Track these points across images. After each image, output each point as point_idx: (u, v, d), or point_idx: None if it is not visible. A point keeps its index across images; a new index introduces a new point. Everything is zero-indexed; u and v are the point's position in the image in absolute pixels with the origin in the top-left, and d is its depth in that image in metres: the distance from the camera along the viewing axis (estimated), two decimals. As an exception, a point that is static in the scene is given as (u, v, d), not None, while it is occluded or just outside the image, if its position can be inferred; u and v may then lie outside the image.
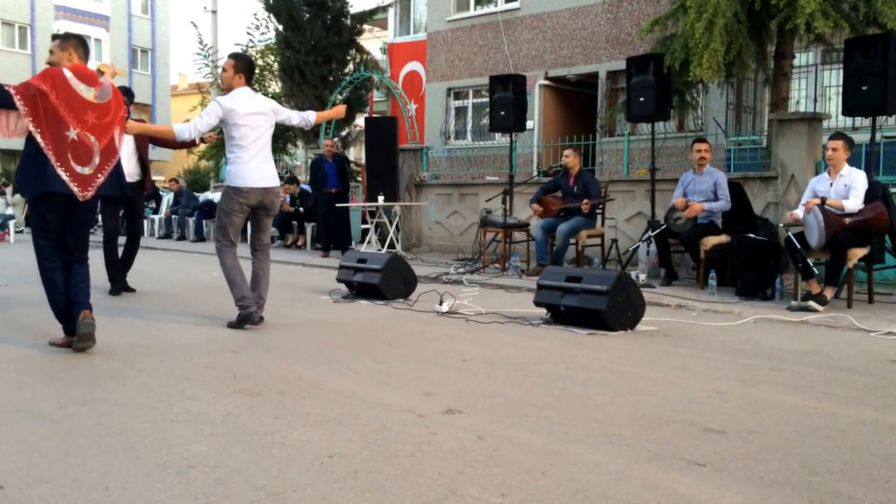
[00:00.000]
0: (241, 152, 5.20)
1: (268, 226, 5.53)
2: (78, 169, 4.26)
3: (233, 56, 5.45)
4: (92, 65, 4.52)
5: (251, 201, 5.25)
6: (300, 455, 2.65)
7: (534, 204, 8.74)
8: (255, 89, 5.50)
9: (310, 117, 5.68)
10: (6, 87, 4.14)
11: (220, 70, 6.91)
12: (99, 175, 4.36)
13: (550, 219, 8.56)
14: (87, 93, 4.30)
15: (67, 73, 4.27)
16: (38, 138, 4.15)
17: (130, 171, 6.72)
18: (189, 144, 7.38)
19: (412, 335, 5.12)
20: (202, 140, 6.95)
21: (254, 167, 5.24)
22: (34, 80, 4.24)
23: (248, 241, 5.63)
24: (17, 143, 5.74)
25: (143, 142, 7.04)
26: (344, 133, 18.79)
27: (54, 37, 4.53)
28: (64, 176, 4.21)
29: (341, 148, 12.15)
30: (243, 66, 5.37)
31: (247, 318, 5.19)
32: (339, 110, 6.28)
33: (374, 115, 18.26)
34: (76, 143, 4.24)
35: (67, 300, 4.39)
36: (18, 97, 4.10)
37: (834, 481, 2.47)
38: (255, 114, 5.24)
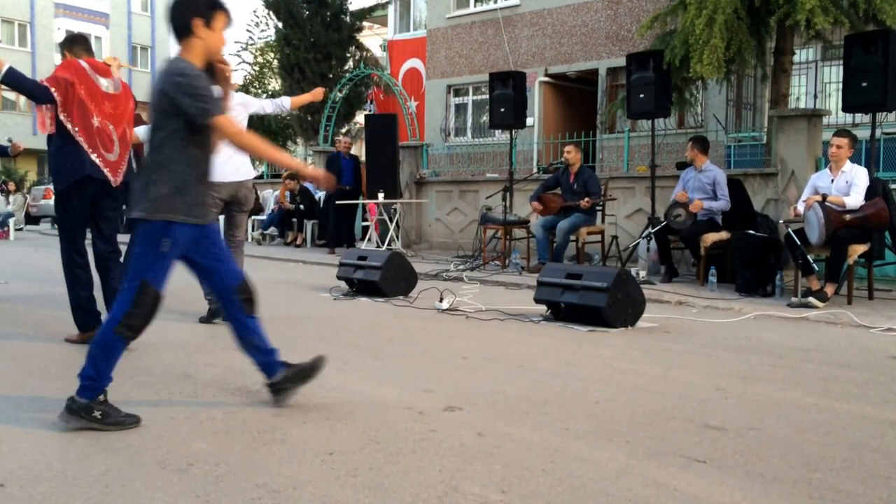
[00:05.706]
0: None
1: (241, 222, 5.45)
2: (107, 155, 4.39)
3: None
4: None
5: (223, 195, 5.11)
6: (300, 452, 2.65)
7: (534, 202, 8.74)
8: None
9: (284, 103, 5.62)
10: (42, 83, 4.26)
11: None
12: (123, 162, 4.50)
13: (550, 216, 8.56)
14: (103, 83, 4.44)
15: (85, 65, 4.40)
16: (70, 126, 4.26)
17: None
18: None
19: (412, 332, 5.13)
20: None
21: (223, 160, 5.09)
22: (60, 72, 4.34)
23: (223, 237, 5.58)
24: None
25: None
26: (344, 130, 18.79)
27: (61, 44, 4.64)
28: (98, 161, 4.34)
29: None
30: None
31: (216, 313, 5.19)
32: (317, 93, 6.20)
33: (374, 112, 18.27)
34: (100, 131, 4.38)
35: (90, 296, 4.49)
36: (54, 90, 4.23)
37: (834, 478, 2.48)
38: None
